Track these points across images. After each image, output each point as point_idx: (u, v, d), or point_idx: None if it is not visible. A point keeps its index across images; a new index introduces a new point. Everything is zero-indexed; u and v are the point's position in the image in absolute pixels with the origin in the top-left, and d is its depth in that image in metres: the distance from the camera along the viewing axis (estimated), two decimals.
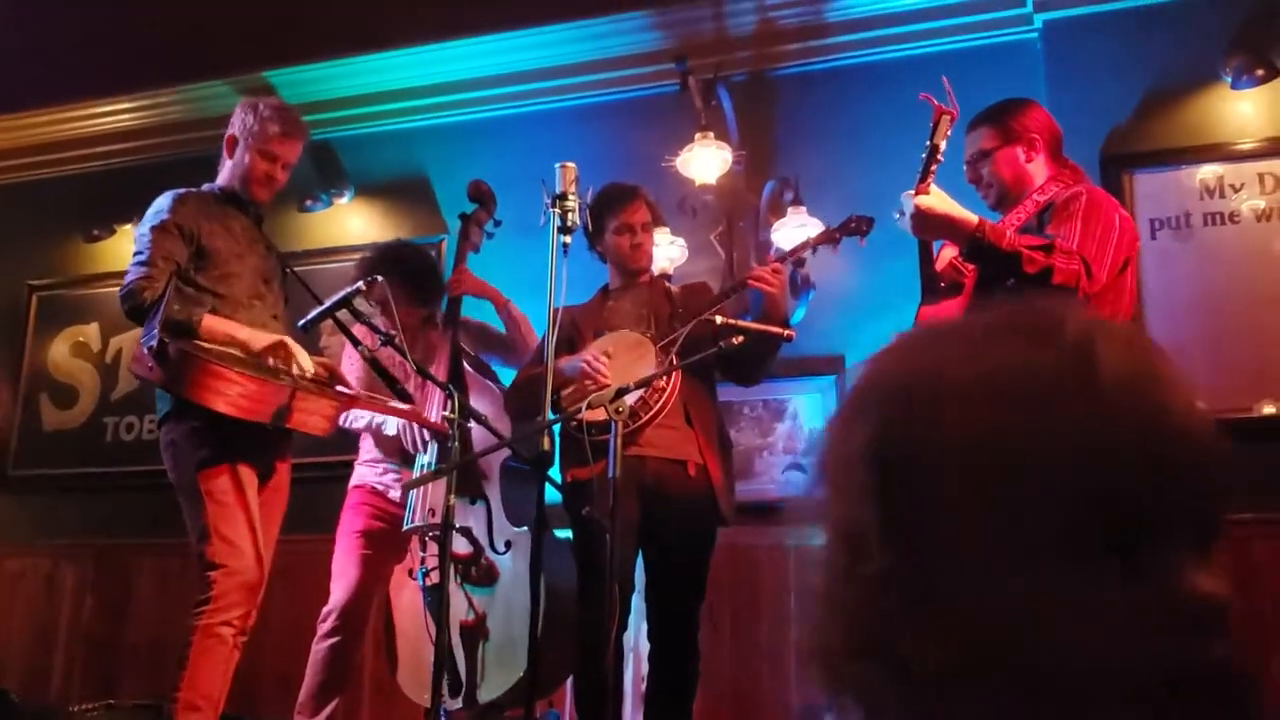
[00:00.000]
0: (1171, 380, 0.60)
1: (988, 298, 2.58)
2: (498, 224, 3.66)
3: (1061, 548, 0.54)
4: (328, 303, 2.79)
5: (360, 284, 2.82)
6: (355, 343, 2.81)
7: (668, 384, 3.02)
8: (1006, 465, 0.56)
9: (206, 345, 2.73)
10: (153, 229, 2.90)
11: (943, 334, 0.64)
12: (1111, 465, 0.55)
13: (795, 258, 3.27)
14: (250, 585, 2.76)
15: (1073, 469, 0.55)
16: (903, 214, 2.50)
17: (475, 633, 3.19)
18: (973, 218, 2.46)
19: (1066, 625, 0.54)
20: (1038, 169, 2.74)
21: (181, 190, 3.03)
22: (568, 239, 2.75)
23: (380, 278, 3.60)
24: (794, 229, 3.96)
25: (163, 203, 2.97)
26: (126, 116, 5.40)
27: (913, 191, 2.50)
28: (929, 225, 2.49)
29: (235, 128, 3.10)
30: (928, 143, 2.49)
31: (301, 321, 2.90)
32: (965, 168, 2.81)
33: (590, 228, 3.25)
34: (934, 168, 2.49)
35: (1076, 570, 0.54)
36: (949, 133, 2.55)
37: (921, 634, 0.57)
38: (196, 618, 2.70)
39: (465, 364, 3.51)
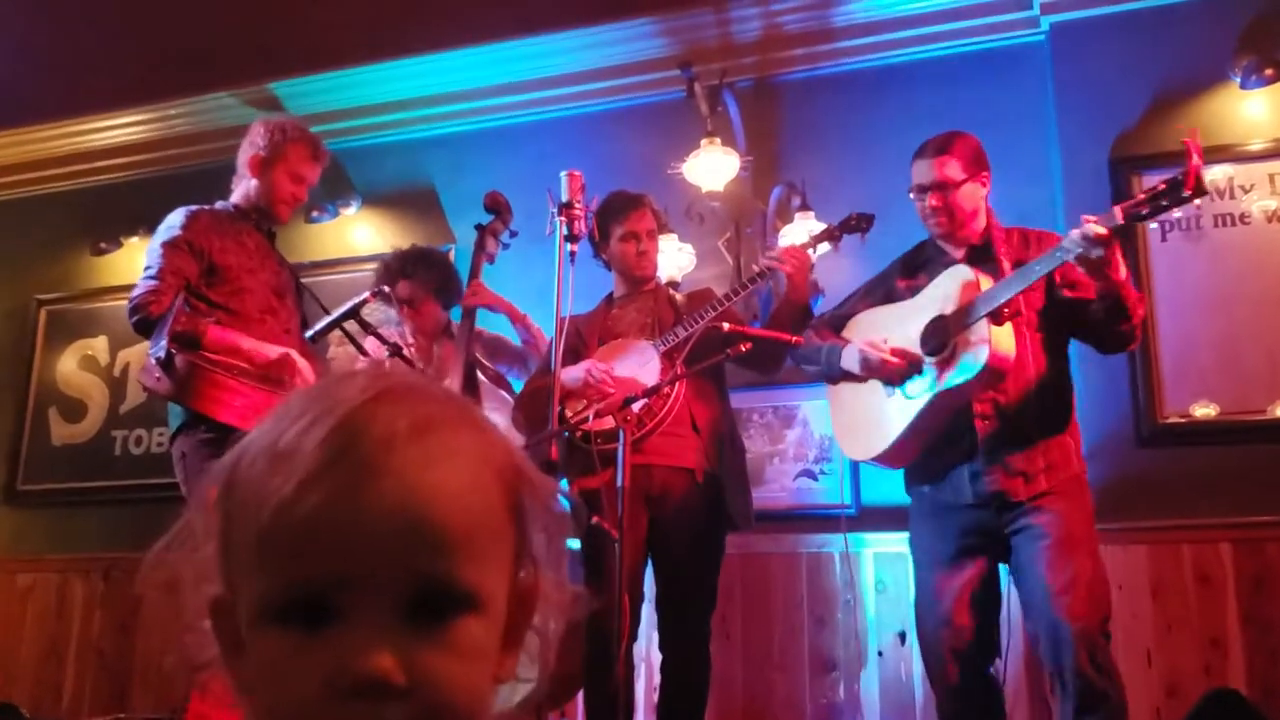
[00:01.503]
0: (395, 472, 0.63)
1: (1044, 326, 2.70)
2: (513, 234, 3.67)
3: (275, 615, 0.63)
4: (335, 313, 2.79)
5: (366, 294, 2.81)
6: (363, 354, 2.80)
7: (672, 391, 3.01)
8: (250, 535, 0.64)
9: (213, 357, 2.73)
10: (163, 244, 2.91)
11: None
12: (307, 551, 0.62)
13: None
14: None
15: (285, 549, 0.63)
16: (1087, 238, 2.42)
17: None
18: (1125, 268, 2.54)
19: (279, 683, 0.63)
20: (983, 205, 2.84)
21: (194, 207, 3.03)
22: (574, 247, 2.74)
23: (388, 288, 3.64)
24: (801, 234, 3.95)
25: (175, 219, 2.98)
26: (132, 130, 5.41)
27: (1109, 227, 2.42)
28: (1100, 263, 2.46)
29: (260, 148, 3.08)
30: (1186, 193, 2.35)
31: (309, 332, 2.90)
32: (927, 193, 2.80)
33: (596, 236, 3.25)
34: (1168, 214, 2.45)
35: (283, 637, 0.62)
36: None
37: (231, 656, 0.68)
38: None
39: (480, 374, 3.50)
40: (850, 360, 2.82)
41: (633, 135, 4.55)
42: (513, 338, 3.71)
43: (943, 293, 2.71)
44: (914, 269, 2.89)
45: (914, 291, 2.82)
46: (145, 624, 4.61)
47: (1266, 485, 3.44)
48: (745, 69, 4.48)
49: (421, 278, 3.67)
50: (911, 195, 2.87)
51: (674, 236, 4.15)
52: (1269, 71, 3.71)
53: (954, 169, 2.80)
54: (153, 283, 2.84)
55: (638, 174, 3.98)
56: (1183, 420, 3.59)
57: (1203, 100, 3.80)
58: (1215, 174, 3.75)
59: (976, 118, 3.44)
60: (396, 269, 3.70)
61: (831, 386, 2.96)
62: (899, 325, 2.79)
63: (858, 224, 3.23)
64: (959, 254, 2.82)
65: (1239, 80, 3.75)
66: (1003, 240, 2.79)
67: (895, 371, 2.74)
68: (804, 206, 4.07)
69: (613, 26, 4.53)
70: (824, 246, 3.34)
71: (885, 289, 2.93)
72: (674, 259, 4.17)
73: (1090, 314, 2.63)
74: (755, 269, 3.38)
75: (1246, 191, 3.71)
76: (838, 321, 2.99)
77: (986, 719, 2.68)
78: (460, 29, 4.61)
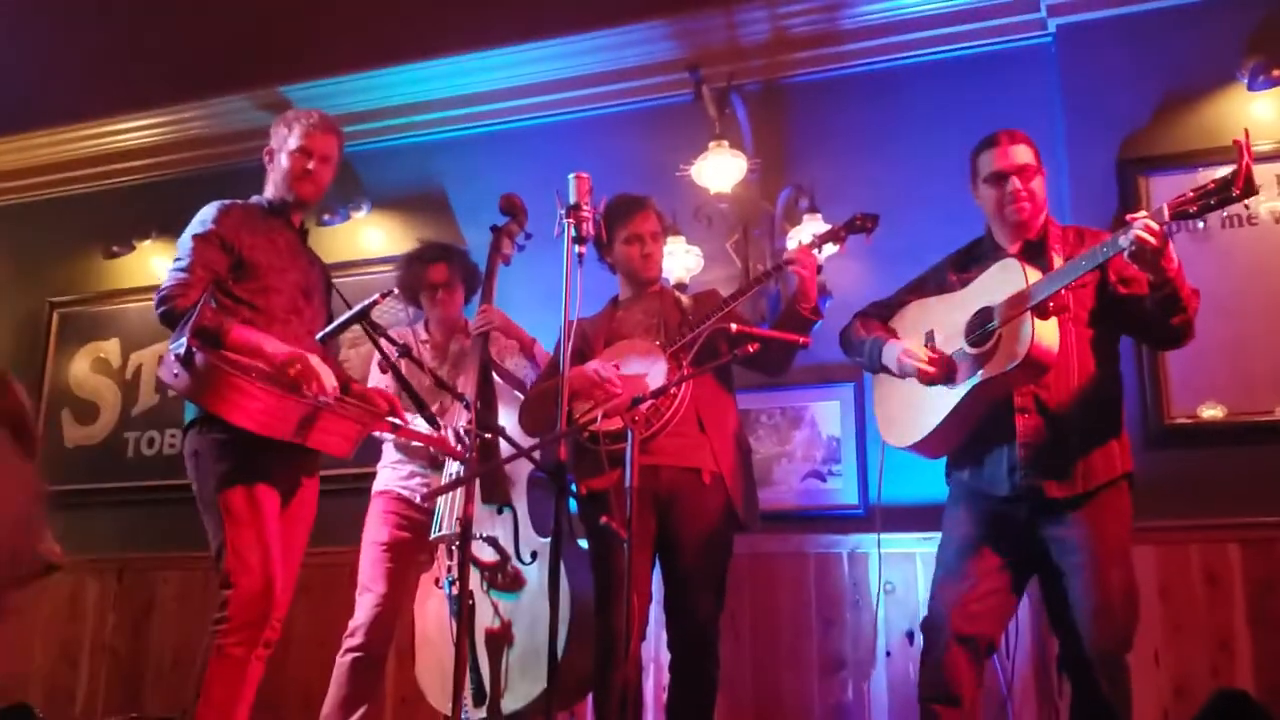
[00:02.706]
0: None
1: (1101, 325, 2.70)
2: (529, 237, 3.68)
3: None
4: (345, 315, 2.78)
5: (376, 296, 2.80)
6: (383, 354, 2.79)
7: (679, 392, 3.02)
8: None
9: (233, 357, 2.71)
10: (195, 237, 2.90)
11: None
12: None
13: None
14: (262, 607, 2.71)
15: None
16: (1138, 241, 2.41)
17: (500, 640, 3.18)
18: (1177, 259, 2.52)
19: None
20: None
21: (227, 201, 3.03)
22: (582, 249, 2.75)
23: (396, 290, 3.64)
24: (809, 236, 3.95)
25: (207, 212, 2.97)
26: (144, 133, 5.45)
27: (1161, 223, 2.42)
28: (1153, 257, 2.44)
29: (271, 141, 3.14)
30: (1235, 192, 2.35)
31: (320, 334, 2.90)
32: (1008, 178, 2.78)
33: (604, 237, 3.26)
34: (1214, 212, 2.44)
35: None
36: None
37: None
38: (212, 636, 2.69)
39: (495, 374, 3.52)
40: (890, 360, 2.87)
41: (641, 138, 4.56)
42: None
43: (991, 285, 2.72)
44: (968, 263, 2.89)
45: (965, 284, 2.83)
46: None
47: (1275, 486, 3.43)
48: (753, 71, 4.50)
49: (454, 263, 3.79)
50: (985, 185, 2.84)
51: (682, 239, 4.17)
52: (1276, 73, 3.70)
53: (1029, 155, 2.81)
54: (182, 275, 2.83)
55: (646, 176, 3.99)
56: (1190, 421, 3.60)
57: (1210, 102, 3.81)
58: (1223, 175, 3.74)
59: (984, 120, 3.43)
60: (430, 255, 3.79)
61: (875, 375, 3.00)
62: (946, 316, 2.81)
63: (863, 224, 3.23)
64: (1015, 248, 2.81)
65: (1246, 82, 3.75)
66: (1058, 237, 2.79)
67: (930, 379, 2.76)
68: (812, 208, 4.08)
69: (621, 30, 4.55)
70: (830, 247, 3.35)
71: (937, 282, 2.95)
72: (682, 261, 4.18)
73: (1145, 309, 2.62)
74: (761, 269, 3.38)
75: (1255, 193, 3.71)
76: (886, 311, 3.02)
77: (962, 708, 2.66)
78: (470, 33, 4.64)
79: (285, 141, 3.09)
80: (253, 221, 3.01)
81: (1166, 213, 2.43)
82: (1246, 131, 2.39)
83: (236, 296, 2.88)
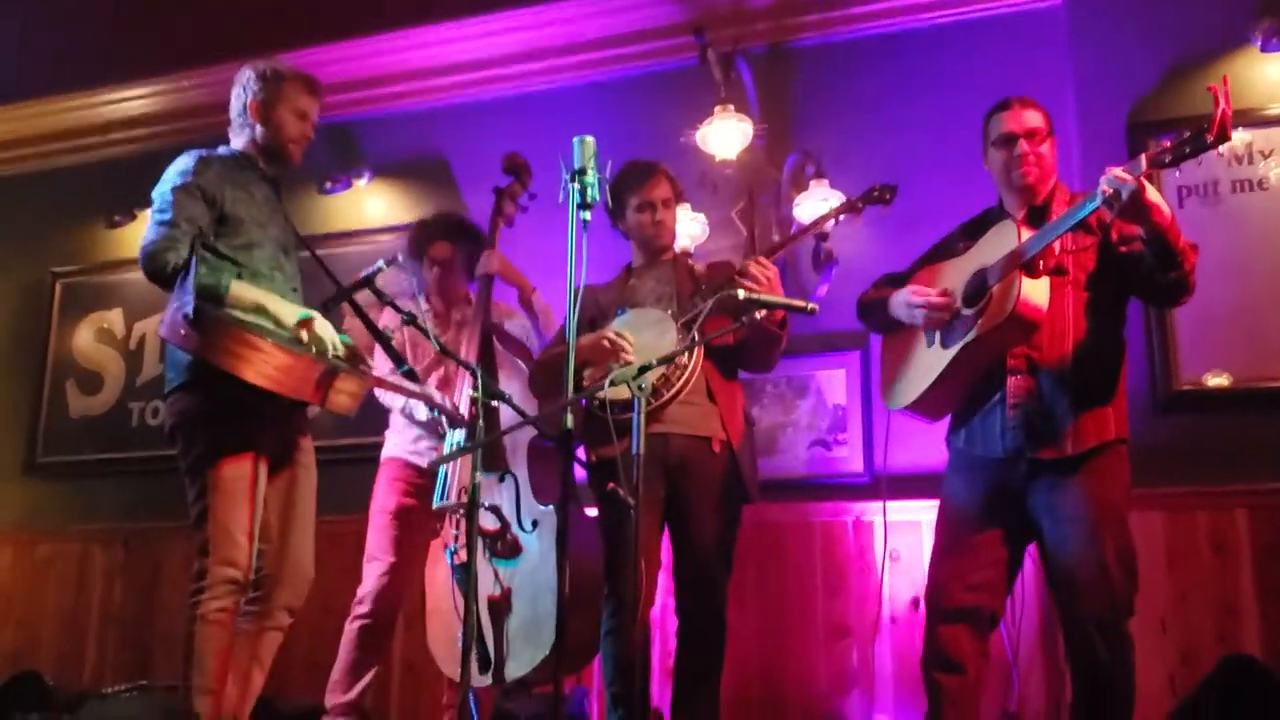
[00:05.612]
0: None
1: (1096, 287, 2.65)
2: (532, 197, 3.64)
3: None
4: (349, 283, 2.76)
5: (381, 263, 2.79)
6: (368, 324, 2.77)
7: (689, 361, 3.00)
8: None
9: (239, 315, 2.64)
10: (175, 189, 2.75)
11: None
12: None
13: (818, 231, 3.25)
14: (240, 573, 2.68)
15: None
16: (1116, 193, 2.38)
17: (501, 607, 3.19)
18: (1169, 211, 2.48)
19: None
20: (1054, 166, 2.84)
21: (204, 152, 2.89)
22: (587, 215, 2.72)
23: (399, 257, 3.62)
24: (816, 202, 3.93)
25: (186, 163, 2.83)
26: (145, 101, 5.41)
27: (1134, 174, 2.38)
28: (1141, 209, 2.42)
29: (257, 92, 2.95)
30: (1209, 139, 2.30)
31: (323, 301, 2.87)
32: (1016, 141, 2.75)
33: (611, 205, 3.22)
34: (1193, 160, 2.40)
35: None
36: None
37: None
38: (194, 608, 2.65)
39: (497, 342, 3.51)
40: (898, 306, 2.86)
41: (645, 103, 4.53)
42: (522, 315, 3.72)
43: (989, 247, 2.71)
44: (977, 231, 2.85)
45: (970, 249, 2.82)
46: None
47: None
48: (759, 35, 4.44)
49: (462, 246, 3.74)
50: (994, 149, 2.82)
51: (687, 206, 4.13)
52: None
53: (1039, 119, 2.79)
54: (166, 230, 2.69)
55: (651, 142, 3.96)
56: (1198, 387, 3.58)
57: (1222, 64, 3.75)
58: (1234, 139, 3.70)
59: (993, 83, 3.40)
60: (438, 231, 3.75)
61: (884, 339, 3.00)
62: (950, 280, 2.81)
63: (880, 195, 3.21)
64: (1021, 213, 2.78)
65: (1259, 43, 3.71)
66: (1064, 201, 2.75)
67: (939, 312, 2.75)
68: (819, 174, 4.05)
69: None
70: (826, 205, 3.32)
71: (948, 250, 2.93)
72: (687, 228, 4.15)
73: (1143, 264, 2.59)
74: (727, 284, 3.26)
75: (1266, 157, 3.68)
76: (899, 280, 2.99)
77: (966, 676, 2.67)
78: None
79: (281, 97, 2.95)
80: (230, 174, 2.88)
81: (1144, 163, 2.40)
82: (1225, 79, 2.35)
83: (220, 252, 2.75)
